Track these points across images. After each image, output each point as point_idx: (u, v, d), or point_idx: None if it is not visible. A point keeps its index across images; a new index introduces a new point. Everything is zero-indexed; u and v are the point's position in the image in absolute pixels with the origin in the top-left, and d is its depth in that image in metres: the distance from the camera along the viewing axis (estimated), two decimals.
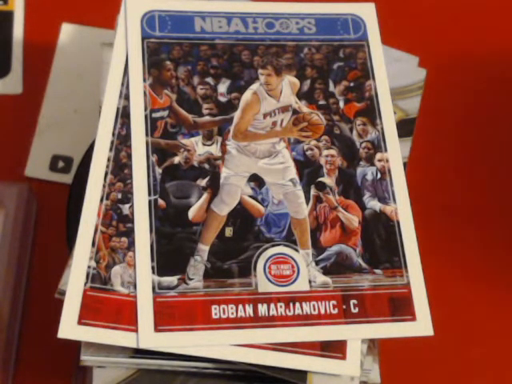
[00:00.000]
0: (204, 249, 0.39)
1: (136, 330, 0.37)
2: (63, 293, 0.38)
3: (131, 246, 0.39)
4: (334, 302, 0.39)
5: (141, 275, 0.38)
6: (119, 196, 0.40)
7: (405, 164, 0.42)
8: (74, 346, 0.45)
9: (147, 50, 0.43)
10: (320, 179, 0.41)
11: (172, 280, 0.38)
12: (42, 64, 0.52)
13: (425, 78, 0.45)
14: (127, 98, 0.41)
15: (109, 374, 0.38)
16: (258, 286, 0.39)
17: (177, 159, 0.40)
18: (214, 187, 0.40)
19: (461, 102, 0.53)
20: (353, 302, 0.39)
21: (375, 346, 0.39)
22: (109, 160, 0.40)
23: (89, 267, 0.38)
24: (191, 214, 0.39)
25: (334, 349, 0.38)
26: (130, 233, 0.39)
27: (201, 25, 0.44)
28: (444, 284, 0.47)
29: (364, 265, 0.40)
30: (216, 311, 0.38)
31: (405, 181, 0.41)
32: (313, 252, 0.40)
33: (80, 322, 0.37)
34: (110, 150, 0.40)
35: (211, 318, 0.38)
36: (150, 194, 0.39)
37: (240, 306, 0.38)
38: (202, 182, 0.40)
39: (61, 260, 0.44)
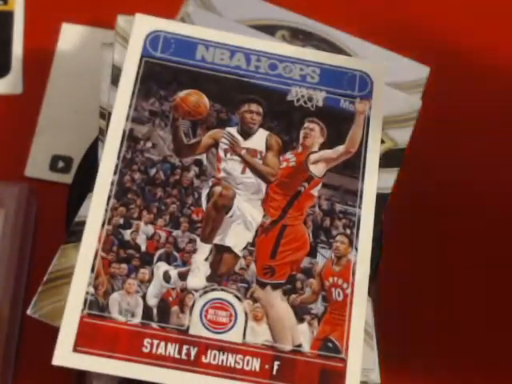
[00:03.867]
0: None
1: (130, 360, 0.37)
2: None
3: (131, 273, 0.39)
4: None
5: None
6: (121, 221, 0.39)
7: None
8: None
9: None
10: None
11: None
12: (42, 64, 0.52)
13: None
14: (134, 120, 0.41)
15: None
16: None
17: None
18: None
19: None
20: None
21: (375, 346, 0.39)
22: (112, 184, 0.40)
23: (87, 293, 0.38)
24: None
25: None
26: (130, 259, 0.39)
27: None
28: None
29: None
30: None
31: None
32: None
33: (75, 350, 0.37)
34: (115, 173, 0.40)
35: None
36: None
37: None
38: None
39: None
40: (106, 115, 0.42)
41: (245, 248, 0.40)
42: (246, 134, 0.42)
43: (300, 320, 0.39)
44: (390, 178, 0.42)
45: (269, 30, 0.47)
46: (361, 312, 0.39)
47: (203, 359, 0.38)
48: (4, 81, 0.52)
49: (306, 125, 0.43)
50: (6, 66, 0.53)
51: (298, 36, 0.47)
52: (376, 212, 0.42)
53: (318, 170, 0.42)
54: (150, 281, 0.39)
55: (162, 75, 0.42)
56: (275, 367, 0.38)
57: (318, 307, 0.39)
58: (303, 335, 0.39)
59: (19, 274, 0.46)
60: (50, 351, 0.46)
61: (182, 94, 0.42)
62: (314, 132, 0.43)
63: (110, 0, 0.50)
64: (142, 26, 0.43)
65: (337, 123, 0.43)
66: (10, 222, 0.46)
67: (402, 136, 0.43)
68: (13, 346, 0.45)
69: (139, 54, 0.42)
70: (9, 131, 0.51)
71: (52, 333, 0.46)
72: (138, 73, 0.42)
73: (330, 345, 0.39)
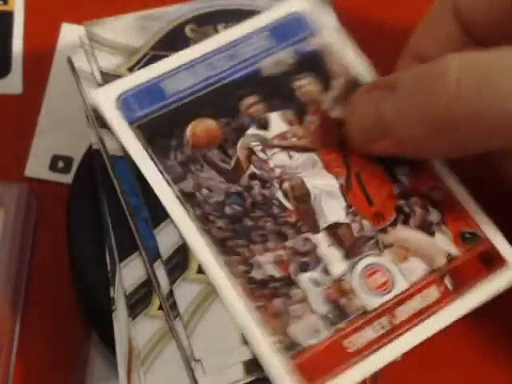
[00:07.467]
0: None
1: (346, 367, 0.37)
2: None
3: (287, 301, 0.38)
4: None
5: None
6: (244, 268, 0.39)
7: None
8: (74, 344, 0.46)
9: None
10: None
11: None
12: (41, 64, 0.52)
13: None
14: (175, 181, 0.40)
15: None
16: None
17: None
18: None
19: None
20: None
21: None
22: (208, 245, 0.39)
23: (274, 343, 0.37)
24: None
25: (494, 263, 0.39)
26: (277, 292, 0.38)
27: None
28: None
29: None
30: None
31: None
32: None
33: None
34: (202, 235, 0.39)
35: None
36: None
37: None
38: None
39: (61, 260, 0.44)
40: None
41: (347, 213, 0.40)
42: (264, 125, 0.42)
43: (432, 234, 0.40)
44: None
45: (176, 31, 0.45)
46: (465, 194, 0.41)
47: (396, 321, 0.38)
48: (4, 81, 0.52)
49: (296, 85, 0.43)
50: (6, 66, 0.53)
51: (205, 21, 0.45)
52: None
53: (338, 112, 0.42)
54: (306, 296, 0.38)
55: (158, 129, 0.41)
56: (449, 284, 0.39)
57: (435, 215, 0.41)
58: (444, 243, 0.40)
59: (19, 274, 0.46)
60: (49, 351, 0.46)
61: (188, 131, 0.41)
62: (307, 86, 0.43)
63: (110, 0, 0.50)
64: (105, 100, 0.42)
65: (318, 65, 0.43)
66: (9, 222, 0.46)
67: None
68: (13, 346, 0.45)
69: (126, 125, 0.41)
70: (9, 131, 0.51)
71: (52, 335, 0.46)
72: (140, 142, 0.41)
73: (467, 234, 0.40)
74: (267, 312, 0.38)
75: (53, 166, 0.50)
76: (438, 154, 0.41)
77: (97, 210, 0.41)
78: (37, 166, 0.50)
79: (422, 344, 0.38)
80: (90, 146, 0.43)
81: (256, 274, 0.38)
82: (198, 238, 0.39)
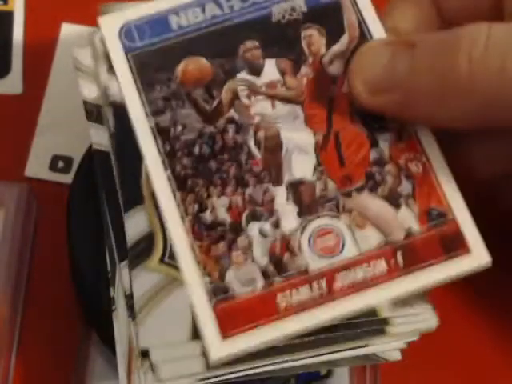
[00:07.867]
0: None
1: (275, 320, 0.37)
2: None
3: (231, 246, 0.38)
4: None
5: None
6: (196, 207, 0.39)
7: None
8: (74, 344, 0.46)
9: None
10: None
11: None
12: (42, 64, 0.52)
13: None
14: (153, 114, 0.40)
15: None
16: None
17: None
18: None
19: None
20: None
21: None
22: (169, 180, 0.39)
23: (205, 284, 0.37)
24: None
25: (455, 247, 0.38)
26: (223, 235, 0.38)
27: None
28: None
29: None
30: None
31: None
32: None
33: (224, 338, 0.36)
34: (166, 170, 0.39)
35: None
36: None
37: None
38: None
39: (61, 260, 0.44)
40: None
41: (314, 171, 0.40)
42: (256, 71, 0.42)
43: (397, 206, 0.39)
44: None
45: None
46: (444, 171, 0.40)
47: (335, 286, 0.38)
48: (4, 81, 0.52)
49: (303, 35, 0.42)
50: (6, 66, 0.53)
51: None
52: None
53: (336, 68, 0.42)
54: (251, 245, 0.38)
55: (152, 61, 0.42)
56: (400, 258, 0.38)
57: (406, 187, 0.40)
58: (407, 218, 0.39)
59: (19, 274, 0.46)
60: (49, 352, 0.46)
61: (180, 68, 0.41)
62: (313, 37, 0.42)
63: (110, 0, 0.50)
64: (109, 27, 0.42)
65: (329, 18, 0.43)
66: (9, 222, 0.46)
67: None
68: (13, 346, 0.46)
69: (122, 53, 0.42)
70: (9, 131, 0.51)
71: (52, 335, 0.46)
72: (131, 71, 0.41)
73: (435, 212, 0.39)
74: (209, 254, 0.38)
75: (53, 166, 0.50)
76: (438, 118, 0.39)
77: (97, 209, 0.41)
78: (37, 166, 0.50)
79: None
80: (90, 146, 0.42)
81: (207, 216, 0.39)
82: (160, 172, 0.39)
